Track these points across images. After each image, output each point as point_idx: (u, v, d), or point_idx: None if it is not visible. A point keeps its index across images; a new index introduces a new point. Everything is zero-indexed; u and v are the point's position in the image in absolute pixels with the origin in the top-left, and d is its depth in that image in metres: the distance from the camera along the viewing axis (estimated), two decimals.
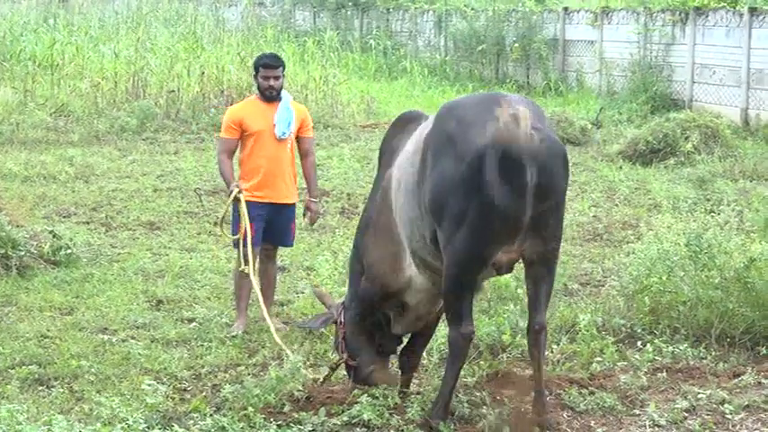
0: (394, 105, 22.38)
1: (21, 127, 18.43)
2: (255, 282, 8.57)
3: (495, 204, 5.85)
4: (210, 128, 19.03)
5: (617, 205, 13.55)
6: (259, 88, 8.77)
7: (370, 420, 6.34)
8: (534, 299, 6.24)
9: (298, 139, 8.86)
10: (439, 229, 6.10)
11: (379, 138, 18.38)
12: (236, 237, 8.62)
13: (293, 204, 8.91)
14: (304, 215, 9.13)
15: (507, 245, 6.04)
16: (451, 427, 6.29)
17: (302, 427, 6.32)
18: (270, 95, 8.70)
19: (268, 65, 8.72)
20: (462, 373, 6.92)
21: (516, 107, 5.98)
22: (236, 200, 8.56)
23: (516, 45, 26.13)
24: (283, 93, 8.78)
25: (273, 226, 8.77)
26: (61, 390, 7.27)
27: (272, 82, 8.68)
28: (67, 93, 20.92)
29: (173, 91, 20.52)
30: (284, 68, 8.82)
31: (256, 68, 8.78)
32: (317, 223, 10.04)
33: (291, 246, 9.27)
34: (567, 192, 6.29)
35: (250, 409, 6.42)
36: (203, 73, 20.92)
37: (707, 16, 20.94)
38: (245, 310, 8.77)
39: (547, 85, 24.87)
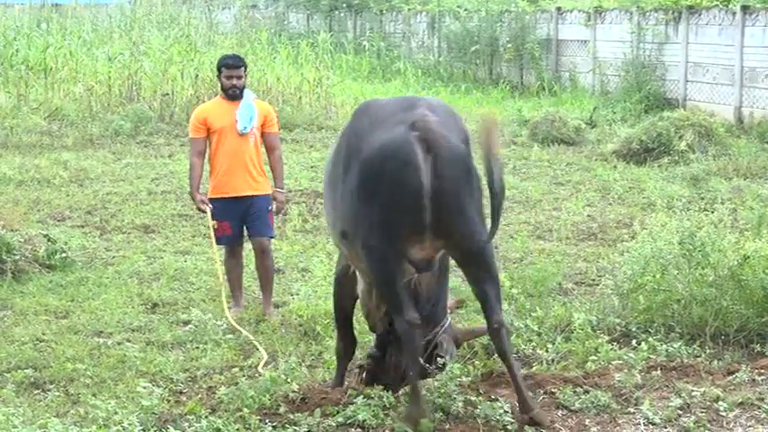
0: None
1: (15, 131, 18.45)
2: (221, 274, 9.17)
3: (394, 205, 6.00)
4: None
5: (611, 204, 13.57)
6: (222, 87, 9.16)
7: (365, 421, 6.35)
8: (483, 301, 6.31)
9: (263, 135, 9.18)
10: (356, 228, 6.23)
11: None
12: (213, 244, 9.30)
13: (265, 195, 9.18)
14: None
15: (417, 242, 6.13)
16: (434, 417, 6.30)
17: (297, 428, 6.33)
18: (233, 94, 9.08)
19: (230, 65, 9.14)
20: (458, 372, 6.92)
21: (424, 112, 6.10)
22: (202, 210, 9.22)
23: (509, 45, 26.18)
24: (246, 91, 9.16)
25: (248, 216, 9.11)
26: (57, 393, 7.27)
27: (234, 81, 9.07)
28: (61, 97, 20.94)
29: (167, 94, 20.54)
30: (246, 68, 9.25)
31: (219, 69, 9.22)
32: (312, 225, 10.07)
33: (273, 236, 9.36)
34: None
35: (245, 410, 6.44)
36: (197, 76, 20.94)
37: (700, 15, 20.95)
38: (240, 294, 9.25)
39: (540, 84, 24.89)
